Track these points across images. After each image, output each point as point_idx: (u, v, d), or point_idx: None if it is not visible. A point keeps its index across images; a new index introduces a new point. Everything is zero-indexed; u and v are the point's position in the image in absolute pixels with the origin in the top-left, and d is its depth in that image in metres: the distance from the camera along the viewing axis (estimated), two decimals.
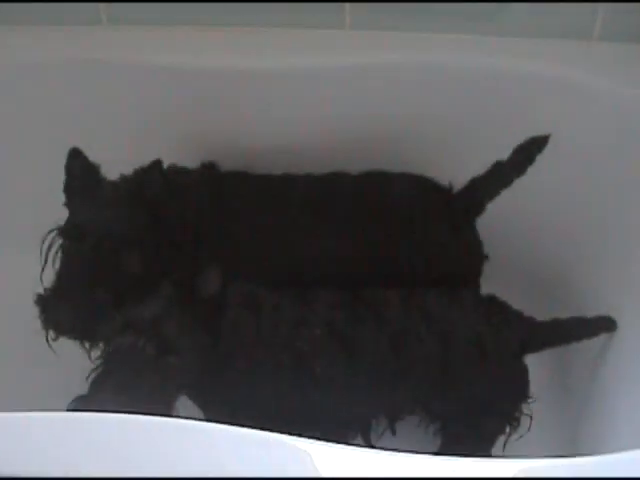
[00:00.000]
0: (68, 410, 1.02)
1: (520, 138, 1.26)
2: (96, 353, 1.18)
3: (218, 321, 1.15)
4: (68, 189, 1.24)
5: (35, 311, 1.18)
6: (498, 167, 1.28)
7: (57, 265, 1.20)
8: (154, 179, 1.23)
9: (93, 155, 1.24)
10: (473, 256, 1.34)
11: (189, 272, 1.14)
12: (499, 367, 1.20)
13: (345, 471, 0.83)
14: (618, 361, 1.26)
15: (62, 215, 1.22)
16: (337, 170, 1.36)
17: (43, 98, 1.40)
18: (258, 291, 1.21)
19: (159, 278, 1.15)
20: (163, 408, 1.09)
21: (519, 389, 1.22)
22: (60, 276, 1.19)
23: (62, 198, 1.23)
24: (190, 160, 1.35)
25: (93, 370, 1.09)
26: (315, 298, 1.21)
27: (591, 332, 1.27)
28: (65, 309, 1.18)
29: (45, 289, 1.19)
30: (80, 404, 1.04)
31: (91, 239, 1.18)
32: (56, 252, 1.19)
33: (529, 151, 1.26)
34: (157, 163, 1.22)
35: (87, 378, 1.08)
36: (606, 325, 1.28)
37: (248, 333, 1.17)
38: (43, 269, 1.20)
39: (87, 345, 1.21)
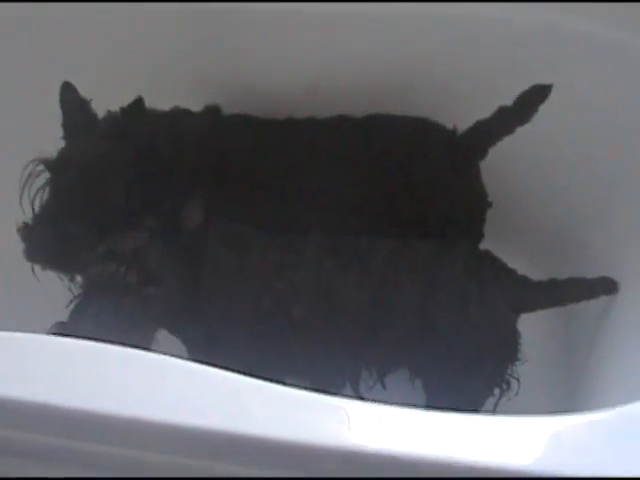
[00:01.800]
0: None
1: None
2: (76, 285, 1.19)
3: (200, 256, 1.14)
4: (65, 123, 1.24)
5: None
6: (502, 112, 1.24)
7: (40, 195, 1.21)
8: (137, 115, 1.22)
9: (100, 96, 1.24)
10: (476, 200, 1.29)
11: (173, 206, 1.13)
12: (486, 326, 1.15)
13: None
14: (619, 324, 1.20)
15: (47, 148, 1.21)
16: (341, 114, 1.32)
17: (35, 36, 1.39)
18: (246, 231, 1.19)
19: (142, 211, 1.14)
20: (143, 339, 1.10)
21: (508, 350, 1.16)
22: (44, 207, 1.20)
23: (48, 131, 1.22)
24: (195, 103, 1.33)
25: (74, 298, 1.09)
26: (302, 243, 1.19)
27: (590, 294, 1.20)
28: (46, 239, 1.18)
29: (29, 218, 1.20)
30: (59, 330, 1.04)
31: (74, 171, 1.18)
32: (34, 182, 1.19)
33: (532, 99, 1.21)
34: (139, 100, 1.21)
35: (67, 306, 1.08)
36: (607, 287, 1.21)
37: (230, 271, 1.15)
38: (21, 197, 1.20)
39: (66, 276, 1.22)
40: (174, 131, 1.27)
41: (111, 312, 1.06)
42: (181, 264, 1.13)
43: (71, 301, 1.09)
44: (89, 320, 1.06)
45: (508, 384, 1.18)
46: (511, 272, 1.17)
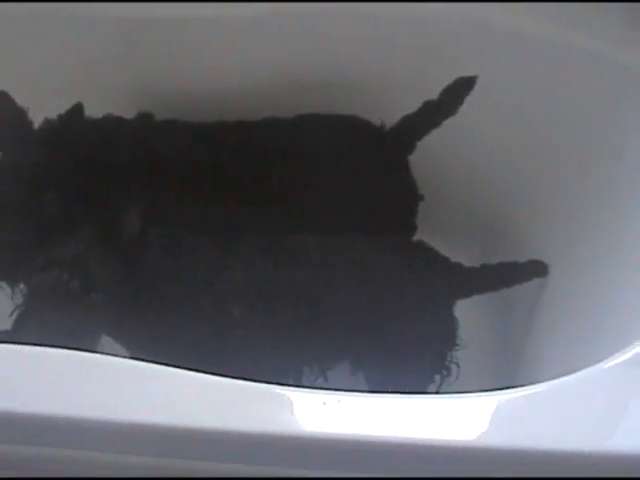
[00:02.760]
0: None
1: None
2: (17, 296, 1.19)
3: (140, 261, 1.14)
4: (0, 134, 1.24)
5: None
6: (427, 106, 1.26)
7: None
8: (75, 122, 1.22)
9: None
10: (407, 195, 1.32)
11: (111, 213, 1.13)
12: (423, 314, 1.18)
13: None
14: (552, 306, 1.24)
15: None
16: (270, 116, 1.34)
17: None
18: (179, 234, 1.19)
19: (79, 219, 1.15)
20: (87, 346, 1.09)
21: (446, 336, 1.19)
22: None
23: None
24: (128, 110, 1.33)
25: (16, 307, 1.09)
26: (237, 244, 1.20)
27: (522, 277, 1.24)
28: None
29: None
30: (1, 338, 1.04)
31: (10, 180, 1.18)
32: None
33: (457, 91, 1.24)
34: (78, 107, 1.22)
35: (10, 316, 1.08)
36: (537, 269, 1.25)
37: (167, 274, 1.16)
38: None
39: (7, 287, 1.21)
40: (108, 139, 1.26)
41: (54, 320, 1.07)
42: (121, 270, 1.13)
43: (13, 310, 1.09)
44: (32, 328, 1.06)
45: (448, 370, 1.21)
46: (445, 260, 1.20)
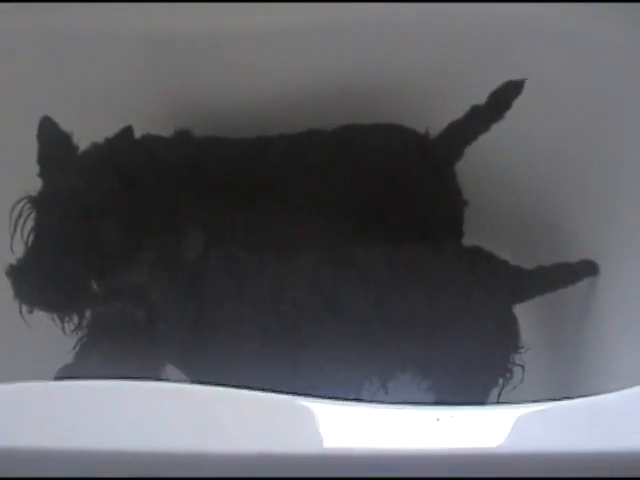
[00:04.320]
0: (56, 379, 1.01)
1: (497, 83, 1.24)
2: (70, 326, 1.18)
3: (201, 286, 1.12)
4: (41, 159, 1.21)
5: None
6: (475, 111, 1.26)
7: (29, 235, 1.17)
8: (125, 145, 1.20)
9: (64, 125, 1.21)
10: (454, 203, 1.32)
11: (170, 238, 1.11)
12: (488, 319, 1.18)
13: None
14: (604, 305, 1.25)
15: (35, 186, 1.19)
16: (311, 128, 1.33)
17: (13, 69, 1.36)
18: (238, 254, 1.18)
19: (137, 245, 1.13)
20: (152, 376, 1.07)
21: (510, 340, 1.20)
22: (31, 246, 1.16)
23: (33, 169, 1.19)
24: (163, 128, 1.31)
25: (79, 340, 1.07)
26: (297, 259, 1.19)
27: (575, 277, 1.25)
28: (35, 280, 1.15)
29: (17, 260, 1.16)
30: (67, 373, 1.02)
31: (62, 208, 1.15)
32: (24, 221, 1.16)
33: (505, 96, 1.24)
34: (128, 130, 1.19)
35: (74, 348, 1.06)
36: (588, 269, 1.27)
37: (230, 297, 1.14)
38: (12, 238, 1.16)
39: (60, 317, 1.19)
40: (154, 159, 1.24)
41: (119, 351, 1.04)
42: (185, 296, 1.11)
43: (77, 343, 1.07)
44: (97, 361, 1.04)
45: (511, 373, 1.22)
46: (504, 263, 1.20)
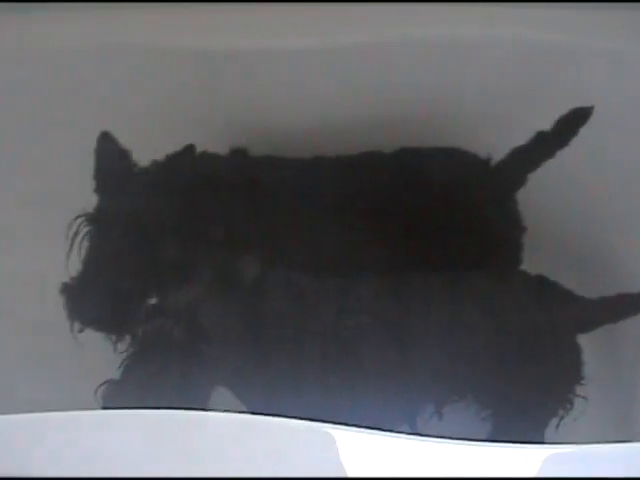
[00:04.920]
0: (98, 392, 1.01)
1: (563, 110, 1.23)
2: (123, 345, 1.15)
3: (260, 308, 1.10)
4: (98, 175, 1.20)
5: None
6: (540, 137, 1.25)
7: (84, 253, 1.16)
8: (186, 164, 1.18)
9: (123, 141, 1.20)
10: (514, 228, 1.31)
11: (226, 258, 1.10)
12: (553, 350, 1.16)
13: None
14: None
15: (92, 202, 1.18)
16: (368, 150, 1.31)
17: (69, 84, 1.34)
18: (300, 279, 1.16)
19: (194, 265, 1.11)
20: (198, 398, 1.07)
21: (573, 371, 1.18)
22: (87, 264, 1.15)
23: (91, 185, 1.18)
24: (219, 145, 1.29)
25: (126, 357, 1.06)
26: (358, 284, 1.17)
27: (637, 308, 1.23)
28: (91, 299, 1.14)
29: (71, 278, 1.15)
30: (112, 388, 1.02)
31: (119, 225, 1.14)
32: (82, 239, 1.15)
33: (572, 122, 1.23)
34: (190, 148, 1.18)
35: (119, 367, 1.05)
36: None
37: (291, 323, 1.12)
38: (69, 256, 1.15)
39: (113, 337, 1.17)
40: (212, 178, 1.23)
41: (163, 369, 1.03)
42: (239, 317, 1.09)
43: (123, 362, 1.06)
44: (141, 378, 1.03)
45: (572, 404, 1.20)
46: (569, 293, 1.18)
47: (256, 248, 1.13)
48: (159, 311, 1.06)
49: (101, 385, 1.02)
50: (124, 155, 1.19)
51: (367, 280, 1.17)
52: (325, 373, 1.13)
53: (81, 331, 1.16)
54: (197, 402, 1.07)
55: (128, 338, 1.17)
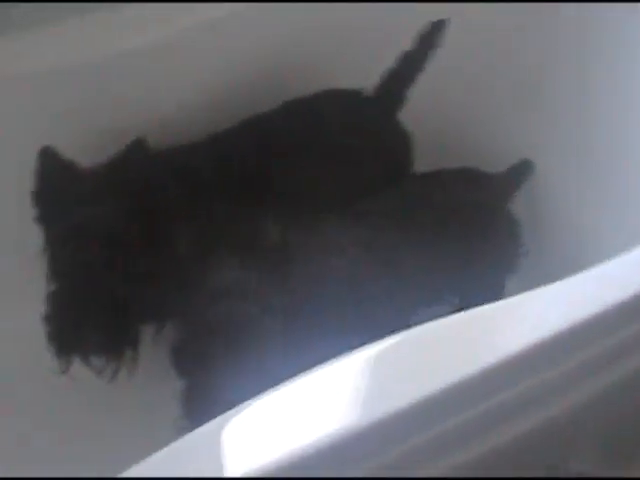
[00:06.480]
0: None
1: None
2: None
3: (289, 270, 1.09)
4: (40, 194, 1.11)
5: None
6: (406, 56, 1.35)
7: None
8: (138, 159, 1.12)
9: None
10: (400, 140, 1.40)
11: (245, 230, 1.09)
12: (494, 223, 1.31)
13: None
14: None
15: None
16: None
17: None
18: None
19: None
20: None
21: (514, 236, 1.33)
22: (58, 289, 1.08)
23: None
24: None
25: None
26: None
27: (528, 172, 1.43)
28: (84, 323, 1.06)
29: (50, 309, 1.07)
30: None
31: (88, 238, 1.08)
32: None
33: (432, 37, 1.34)
34: (139, 141, 1.11)
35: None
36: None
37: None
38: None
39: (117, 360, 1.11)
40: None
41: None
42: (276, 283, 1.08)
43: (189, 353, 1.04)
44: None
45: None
46: (487, 174, 1.35)
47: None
48: (224, 293, 1.02)
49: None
50: (68, 168, 1.11)
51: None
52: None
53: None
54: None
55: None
